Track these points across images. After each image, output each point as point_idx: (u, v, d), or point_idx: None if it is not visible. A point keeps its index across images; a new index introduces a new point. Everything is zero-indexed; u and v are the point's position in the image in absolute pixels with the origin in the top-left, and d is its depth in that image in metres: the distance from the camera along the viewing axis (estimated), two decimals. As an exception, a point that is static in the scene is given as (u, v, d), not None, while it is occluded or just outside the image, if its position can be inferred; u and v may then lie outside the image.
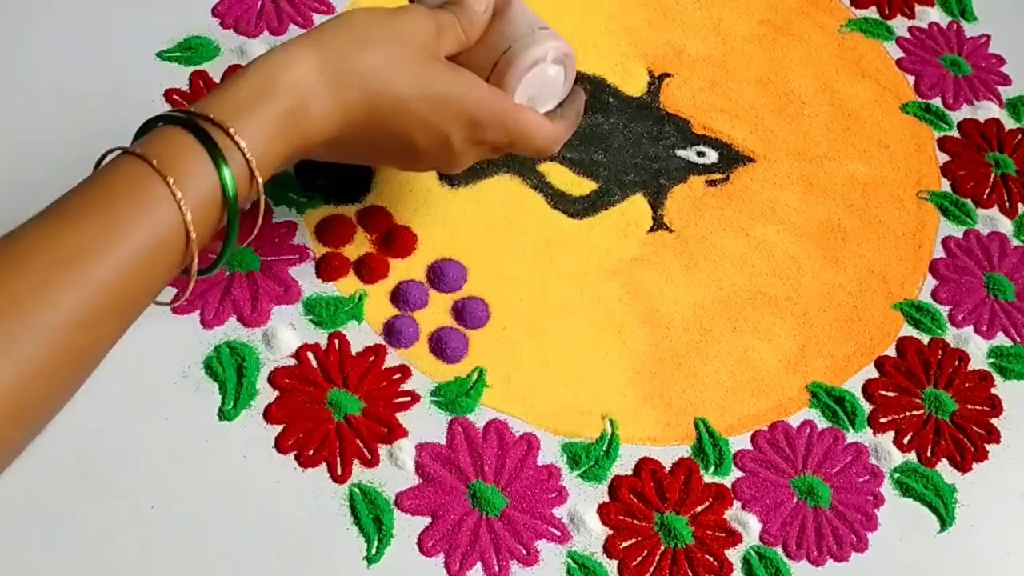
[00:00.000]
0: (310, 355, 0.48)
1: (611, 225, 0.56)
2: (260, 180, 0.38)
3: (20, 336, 0.32)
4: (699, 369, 0.51)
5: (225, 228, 0.37)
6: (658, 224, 0.56)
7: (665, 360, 0.51)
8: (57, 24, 0.58)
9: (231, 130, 0.37)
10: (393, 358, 0.49)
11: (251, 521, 0.44)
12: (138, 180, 0.35)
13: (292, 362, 0.48)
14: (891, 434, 0.50)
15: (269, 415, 0.46)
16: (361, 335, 0.49)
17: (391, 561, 0.44)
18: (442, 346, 0.49)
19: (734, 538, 0.46)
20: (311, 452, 0.46)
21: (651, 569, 0.45)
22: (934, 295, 0.55)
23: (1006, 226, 0.59)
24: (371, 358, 0.49)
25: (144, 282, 0.35)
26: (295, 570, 0.43)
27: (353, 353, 0.49)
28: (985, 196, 0.60)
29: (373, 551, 0.44)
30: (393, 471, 0.46)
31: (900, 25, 0.68)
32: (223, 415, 0.46)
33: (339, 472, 0.45)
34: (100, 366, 0.47)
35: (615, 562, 0.45)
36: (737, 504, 0.47)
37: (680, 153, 0.59)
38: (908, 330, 0.54)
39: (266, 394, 0.47)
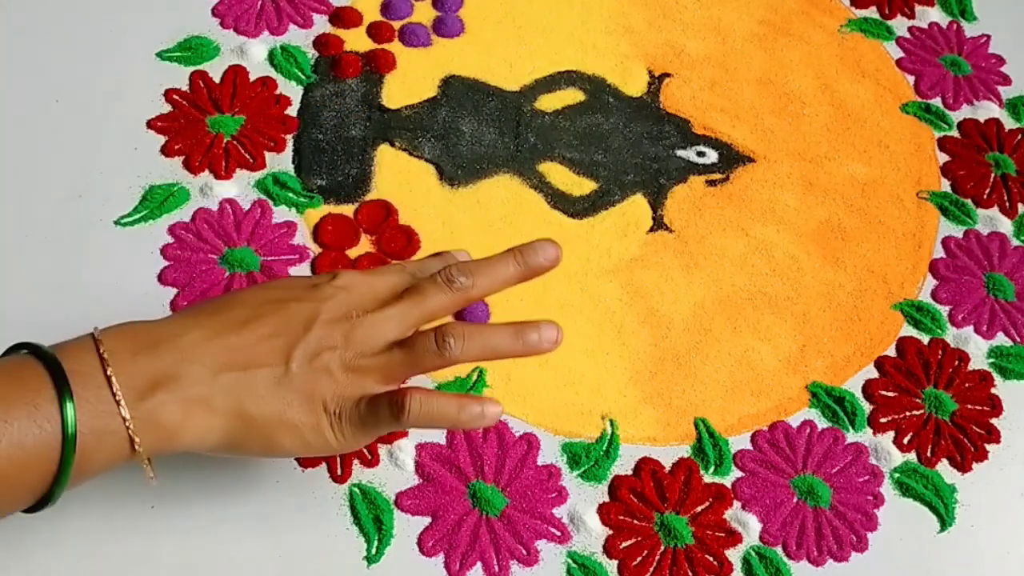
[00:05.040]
0: (310, 355, 0.48)
1: (611, 225, 0.56)
2: (138, 442, 0.36)
3: None
4: (699, 369, 0.51)
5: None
6: (658, 224, 0.56)
7: (665, 360, 0.51)
8: (57, 24, 0.58)
9: (113, 376, 0.36)
10: (393, 358, 0.49)
11: (251, 521, 0.44)
12: None
13: (292, 362, 0.48)
14: (891, 434, 0.50)
15: (269, 415, 0.46)
16: (361, 335, 0.49)
17: (391, 561, 0.44)
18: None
19: (734, 538, 0.46)
20: (311, 452, 0.46)
21: (651, 569, 0.45)
22: (934, 295, 0.55)
23: (1006, 226, 0.59)
24: (371, 358, 0.49)
25: None
26: (295, 570, 0.43)
27: (353, 353, 0.49)
28: (985, 196, 0.60)
29: (373, 551, 0.44)
30: (393, 471, 0.46)
31: (900, 25, 0.68)
32: (223, 415, 0.46)
33: (339, 472, 0.45)
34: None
35: (615, 562, 0.45)
36: (737, 504, 0.47)
37: (680, 153, 0.59)
38: (908, 330, 0.54)
39: (266, 394, 0.47)
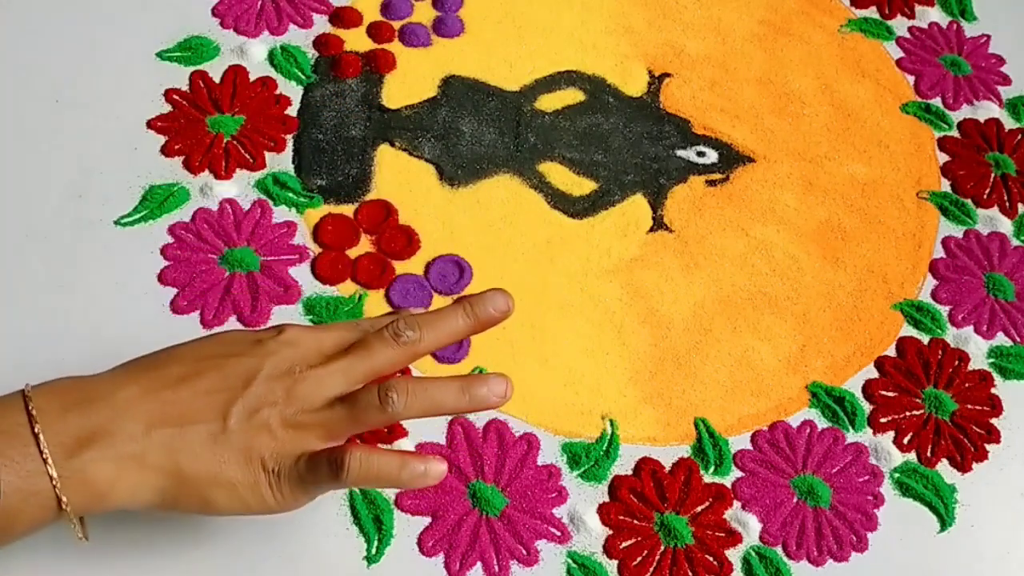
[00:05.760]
0: (310, 355, 0.48)
1: (611, 225, 0.56)
2: (66, 505, 0.35)
3: None
4: (699, 369, 0.51)
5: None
6: (658, 224, 0.56)
7: (665, 360, 0.51)
8: (57, 24, 0.58)
9: (41, 433, 0.35)
10: (393, 358, 0.49)
11: (251, 521, 0.44)
12: None
13: (292, 362, 0.48)
14: (891, 434, 0.50)
15: (269, 415, 0.46)
16: (361, 335, 0.49)
17: (391, 561, 0.44)
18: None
19: (734, 538, 0.46)
20: (311, 452, 0.45)
21: (651, 569, 0.45)
22: (934, 295, 0.55)
23: (1006, 226, 0.59)
24: (371, 358, 0.49)
25: None
26: (295, 570, 0.43)
27: (353, 353, 0.49)
28: (985, 196, 0.60)
29: (373, 551, 0.44)
30: (393, 471, 0.46)
31: (900, 25, 0.68)
32: (223, 415, 0.46)
33: (339, 472, 0.45)
34: (99, 366, 0.47)
35: (615, 562, 0.45)
36: (737, 504, 0.47)
37: (680, 153, 0.59)
38: (908, 330, 0.54)
39: (266, 394, 0.47)
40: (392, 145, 0.57)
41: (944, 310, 0.55)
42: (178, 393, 0.37)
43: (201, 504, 0.38)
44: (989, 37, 0.68)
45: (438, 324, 0.40)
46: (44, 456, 0.35)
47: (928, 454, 0.50)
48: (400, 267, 0.52)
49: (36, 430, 0.35)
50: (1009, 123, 0.64)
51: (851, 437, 0.50)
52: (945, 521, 0.48)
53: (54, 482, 0.35)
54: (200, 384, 0.38)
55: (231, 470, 0.37)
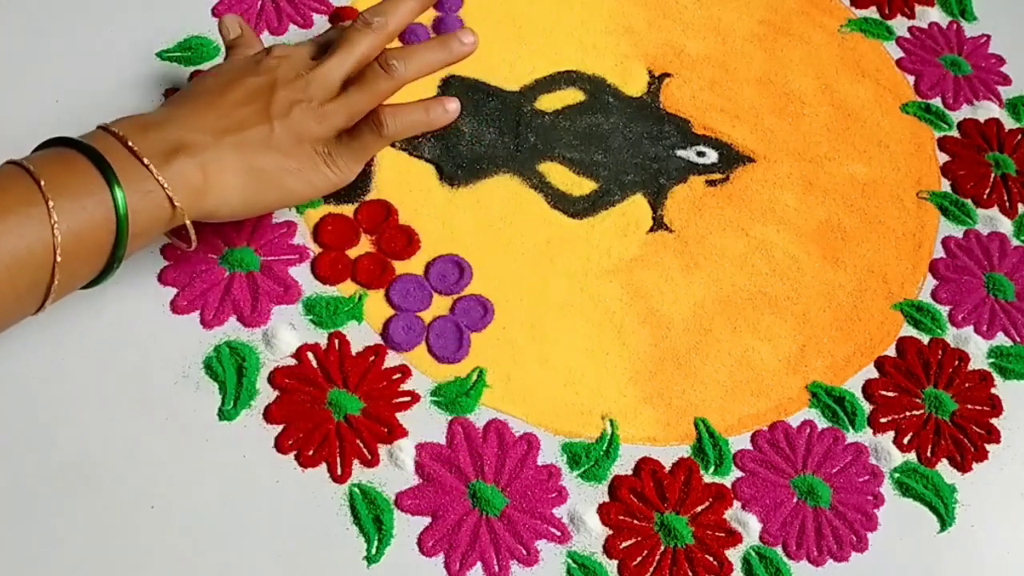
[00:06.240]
0: (310, 355, 0.48)
1: (611, 225, 0.56)
2: (178, 204, 0.41)
3: None
4: (699, 369, 0.51)
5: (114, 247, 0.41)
6: (658, 224, 0.56)
7: (665, 360, 0.51)
8: (58, 24, 0.58)
9: (136, 148, 0.41)
10: (393, 358, 0.49)
11: (251, 521, 0.44)
12: (20, 196, 0.38)
13: (292, 362, 0.48)
14: (891, 434, 0.50)
15: (269, 415, 0.46)
16: (361, 335, 0.49)
17: (391, 561, 0.44)
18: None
19: (734, 538, 0.46)
20: (311, 452, 0.46)
21: (651, 569, 0.45)
22: (934, 295, 0.55)
23: (1006, 226, 0.59)
24: (371, 358, 0.49)
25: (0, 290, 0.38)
26: (295, 570, 0.43)
27: (353, 353, 0.49)
28: (985, 196, 0.60)
29: (373, 551, 0.44)
30: (393, 471, 0.46)
31: (900, 25, 0.68)
32: (223, 415, 0.46)
33: (339, 472, 0.45)
34: (99, 366, 0.47)
35: (615, 562, 0.45)
36: (737, 504, 0.47)
37: (680, 153, 0.59)
38: (908, 330, 0.54)
39: (266, 394, 0.47)
40: (392, 145, 0.57)
41: (944, 310, 0.55)
42: (223, 109, 0.44)
43: (278, 193, 0.46)
44: (989, 37, 0.68)
45: (399, 6, 0.49)
46: (145, 163, 0.41)
47: (928, 454, 0.50)
48: (400, 267, 0.52)
49: (131, 145, 0.41)
50: (1009, 123, 0.64)
51: (851, 437, 0.50)
52: (945, 521, 0.48)
53: (162, 183, 0.41)
54: (235, 99, 0.45)
55: (291, 160, 0.45)
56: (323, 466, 0.45)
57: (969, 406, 0.52)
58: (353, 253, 0.52)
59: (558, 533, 0.45)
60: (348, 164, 0.47)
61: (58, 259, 0.38)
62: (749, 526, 0.46)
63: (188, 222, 0.42)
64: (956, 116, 0.64)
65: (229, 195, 0.43)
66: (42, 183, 0.38)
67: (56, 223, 0.38)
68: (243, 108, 0.45)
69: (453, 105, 0.49)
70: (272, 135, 0.44)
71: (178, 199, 0.41)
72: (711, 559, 0.45)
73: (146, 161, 0.41)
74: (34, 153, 0.42)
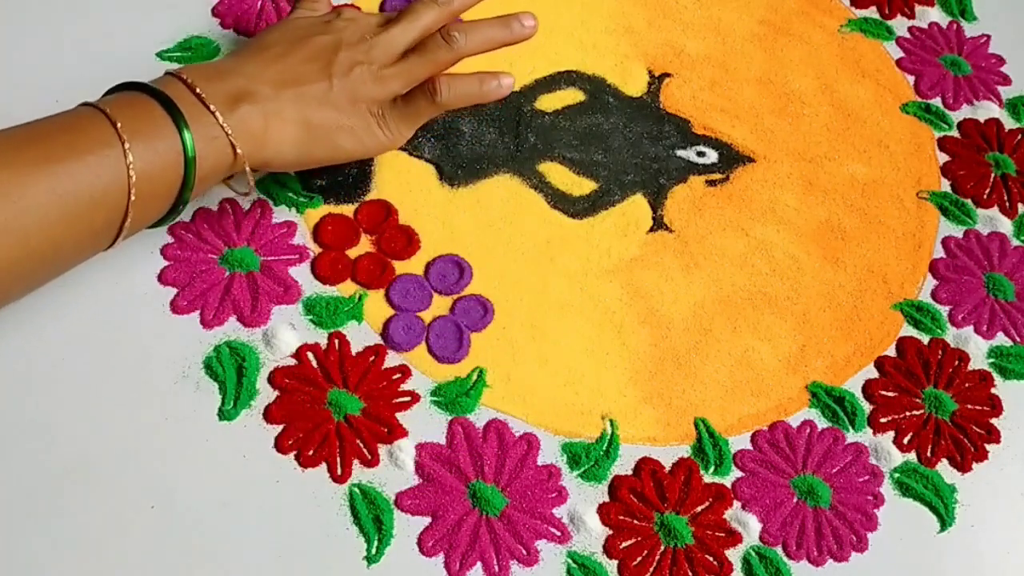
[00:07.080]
0: (310, 355, 0.48)
1: (611, 225, 0.56)
2: (240, 150, 0.44)
3: None
4: (699, 369, 0.51)
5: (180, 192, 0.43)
6: (658, 224, 0.56)
7: (665, 360, 0.51)
8: (57, 24, 0.58)
9: (203, 95, 0.43)
10: (393, 358, 0.49)
11: (251, 521, 0.44)
12: (97, 137, 0.40)
13: (292, 362, 0.48)
14: (891, 434, 0.50)
15: (269, 415, 0.46)
16: (361, 335, 0.49)
17: (391, 561, 0.44)
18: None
19: (734, 538, 0.46)
20: (311, 452, 0.46)
21: (651, 569, 0.45)
22: (934, 295, 0.56)
23: (1006, 226, 0.59)
24: (371, 358, 0.49)
25: (78, 227, 0.40)
26: (295, 570, 0.43)
27: (353, 353, 0.49)
28: (985, 196, 0.60)
29: (373, 551, 0.44)
30: (393, 471, 0.46)
31: (900, 25, 0.68)
32: (223, 415, 0.46)
33: (339, 472, 0.45)
34: (99, 366, 0.47)
35: (615, 562, 0.45)
36: (737, 504, 0.47)
37: (680, 153, 0.59)
38: (908, 330, 0.54)
39: (266, 394, 0.47)
40: (392, 145, 0.57)
41: (944, 310, 0.55)
42: (286, 63, 0.46)
43: (330, 148, 0.48)
44: (989, 37, 0.68)
45: None
46: (212, 109, 0.43)
47: (928, 454, 0.50)
48: (400, 267, 0.52)
49: (198, 91, 0.43)
50: (1009, 123, 0.64)
51: (851, 437, 0.50)
52: (945, 521, 0.48)
53: (226, 130, 0.43)
54: (300, 55, 0.47)
55: (346, 117, 0.47)
56: (323, 466, 0.45)
57: (969, 406, 0.52)
58: (353, 253, 0.52)
59: (558, 533, 0.45)
60: (399, 128, 0.49)
61: (132, 198, 0.41)
62: (749, 526, 0.46)
63: (248, 169, 0.44)
64: (956, 116, 0.64)
65: (285, 147, 0.46)
66: (118, 125, 0.40)
67: (131, 164, 0.40)
68: (306, 64, 0.47)
69: (508, 80, 0.49)
70: (330, 92, 0.46)
71: (240, 146, 0.43)
72: (711, 559, 0.45)
73: (212, 108, 0.43)
74: (107, 96, 0.44)
